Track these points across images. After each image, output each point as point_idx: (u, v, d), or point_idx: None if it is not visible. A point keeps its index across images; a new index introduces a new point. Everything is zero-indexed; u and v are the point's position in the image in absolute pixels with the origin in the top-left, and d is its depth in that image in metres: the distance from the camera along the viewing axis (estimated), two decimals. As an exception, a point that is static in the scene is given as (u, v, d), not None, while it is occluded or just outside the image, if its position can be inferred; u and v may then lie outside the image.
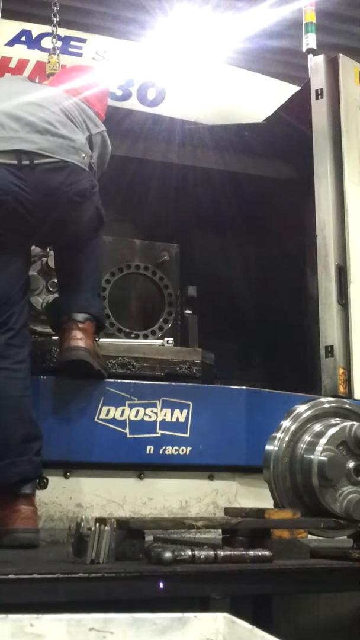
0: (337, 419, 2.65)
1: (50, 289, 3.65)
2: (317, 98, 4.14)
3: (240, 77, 4.85)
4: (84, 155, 3.08)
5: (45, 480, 3.00)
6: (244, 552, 2.22)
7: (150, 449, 3.27)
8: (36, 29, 4.33)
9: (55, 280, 3.46)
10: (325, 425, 2.61)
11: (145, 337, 3.93)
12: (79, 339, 3.10)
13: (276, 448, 2.64)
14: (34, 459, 2.81)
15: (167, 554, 2.08)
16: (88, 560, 2.11)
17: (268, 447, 2.67)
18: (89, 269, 3.23)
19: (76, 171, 3.03)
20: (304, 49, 4.41)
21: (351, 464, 2.53)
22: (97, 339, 3.33)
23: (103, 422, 3.23)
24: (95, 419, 3.22)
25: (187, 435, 3.32)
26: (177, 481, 3.35)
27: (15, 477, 2.76)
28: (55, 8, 4.25)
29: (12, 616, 1.35)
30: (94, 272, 3.27)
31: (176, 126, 4.58)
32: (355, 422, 2.57)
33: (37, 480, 2.90)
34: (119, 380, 3.32)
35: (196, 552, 2.14)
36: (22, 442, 2.80)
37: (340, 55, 4.20)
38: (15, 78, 3.70)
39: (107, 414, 3.24)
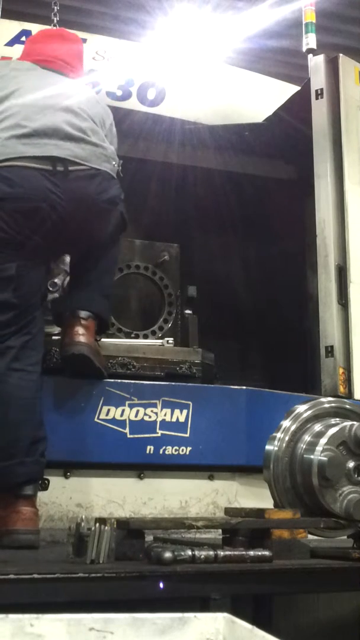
0: (337, 419, 2.65)
1: (50, 289, 3.65)
2: (317, 98, 4.14)
3: (240, 77, 4.85)
4: (114, 162, 3.14)
5: (46, 482, 3.00)
6: (244, 552, 2.22)
7: (150, 449, 3.27)
8: (36, 29, 4.31)
9: (56, 280, 3.48)
10: (325, 425, 2.61)
11: (145, 337, 3.93)
12: (80, 334, 3.12)
13: (276, 448, 2.63)
14: (40, 459, 2.82)
15: (167, 554, 2.08)
16: (88, 560, 2.11)
17: (268, 447, 2.67)
18: (102, 270, 3.25)
19: (107, 179, 3.07)
20: (304, 49, 4.41)
21: (351, 464, 2.53)
22: (98, 339, 3.34)
23: (103, 422, 3.23)
24: (95, 419, 3.23)
25: (187, 435, 3.32)
26: (177, 481, 3.35)
27: (22, 477, 2.76)
28: (55, 8, 4.26)
29: (12, 616, 1.35)
30: (106, 273, 3.30)
31: (176, 126, 4.57)
32: (355, 422, 2.57)
33: (39, 482, 2.90)
34: (119, 380, 3.32)
35: (196, 552, 2.14)
36: (31, 442, 2.80)
37: (340, 55, 4.20)
38: (37, 69, 3.32)
39: (107, 414, 3.24)
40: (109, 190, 3.08)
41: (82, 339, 3.11)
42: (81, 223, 3.02)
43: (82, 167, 3.00)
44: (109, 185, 3.09)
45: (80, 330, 3.12)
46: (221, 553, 2.18)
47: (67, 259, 3.46)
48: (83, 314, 3.16)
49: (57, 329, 3.35)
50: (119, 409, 3.25)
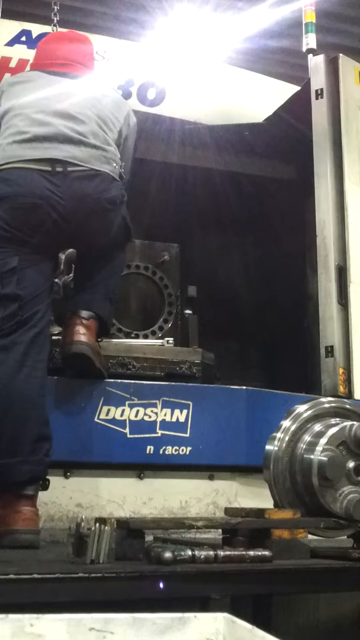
0: (337, 419, 2.65)
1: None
2: (317, 98, 4.14)
3: (240, 77, 4.85)
4: (115, 164, 3.19)
5: (47, 482, 3.00)
6: (244, 552, 2.22)
7: (150, 449, 3.27)
8: (36, 29, 4.33)
9: (56, 280, 3.49)
10: (325, 425, 2.61)
11: (145, 337, 3.93)
12: (81, 334, 3.13)
13: (276, 448, 2.63)
14: (44, 459, 2.82)
15: (167, 554, 2.08)
16: (88, 560, 2.11)
17: (268, 447, 2.67)
18: (108, 273, 3.28)
19: (107, 179, 3.13)
20: (304, 49, 4.41)
21: (351, 464, 2.53)
22: (99, 340, 3.34)
23: (103, 422, 3.23)
24: (95, 419, 3.23)
25: (187, 435, 3.32)
26: (177, 481, 3.35)
27: (26, 475, 2.76)
28: (55, 8, 4.26)
29: (12, 616, 1.35)
30: (111, 277, 3.31)
31: (176, 126, 4.58)
32: (355, 422, 2.57)
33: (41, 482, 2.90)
34: (119, 380, 3.32)
35: (196, 552, 2.13)
36: (36, 440, 2.80)
37: (340, 55, 4.20)
38: (43, 76, 3.40)
39: (107, 414, 3.24)
40: (109, 191, 3.12)
41: (82, 338, 3.12)
42: (82, 222, 3.06)
43: (82, 167, 3.06)
44: (110, 186, 3.13)
45: (81, 329, 3.14)
46: (221, 553, 2.18)
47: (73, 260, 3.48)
48: (84, 313, 3.18)
49: (57, 329, 3.35)
50: (119, 409, 3.25)
